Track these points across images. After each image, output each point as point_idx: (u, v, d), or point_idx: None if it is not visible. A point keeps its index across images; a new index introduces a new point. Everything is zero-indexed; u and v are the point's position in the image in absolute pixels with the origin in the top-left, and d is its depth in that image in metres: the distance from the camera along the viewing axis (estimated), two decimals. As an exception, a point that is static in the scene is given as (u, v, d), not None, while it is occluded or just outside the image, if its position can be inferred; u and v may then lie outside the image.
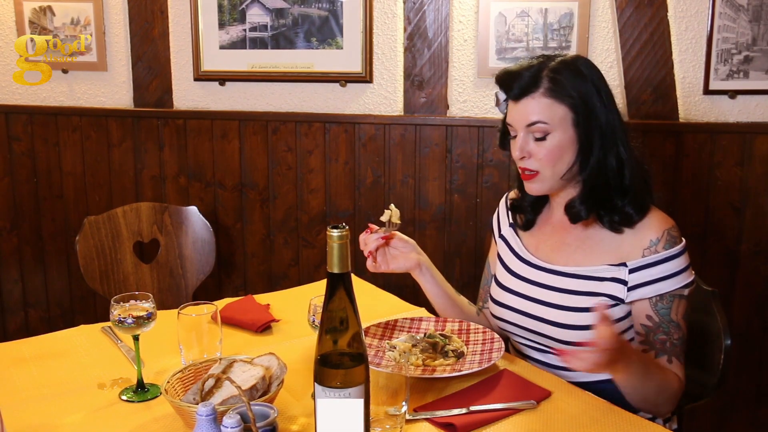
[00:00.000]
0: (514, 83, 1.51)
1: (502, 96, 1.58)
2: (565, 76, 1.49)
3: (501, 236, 1.75)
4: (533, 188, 1.56)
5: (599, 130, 1.50)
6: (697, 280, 1.77)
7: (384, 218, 1.59)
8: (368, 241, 1.60)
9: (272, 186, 2.88)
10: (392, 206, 1.61)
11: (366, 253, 1.60)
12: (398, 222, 1.61)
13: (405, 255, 1.64)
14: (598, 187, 1.51)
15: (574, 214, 1.55)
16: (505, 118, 1.62)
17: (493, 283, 1.72)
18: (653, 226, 1.49)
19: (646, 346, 1.50)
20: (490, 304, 1.72)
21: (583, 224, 1.57)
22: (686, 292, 1.49)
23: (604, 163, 1.51)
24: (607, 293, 1.51)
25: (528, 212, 1.68)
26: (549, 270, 1.60)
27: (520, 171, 1.57)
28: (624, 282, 1.49)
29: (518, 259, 1.67)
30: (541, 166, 1.51)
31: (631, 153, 1.52)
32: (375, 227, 1.60)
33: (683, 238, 1.51)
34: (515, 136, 1.55)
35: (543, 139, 1.50)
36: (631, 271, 1.48)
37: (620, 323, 1.53)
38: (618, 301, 1.50)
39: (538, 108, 1.49)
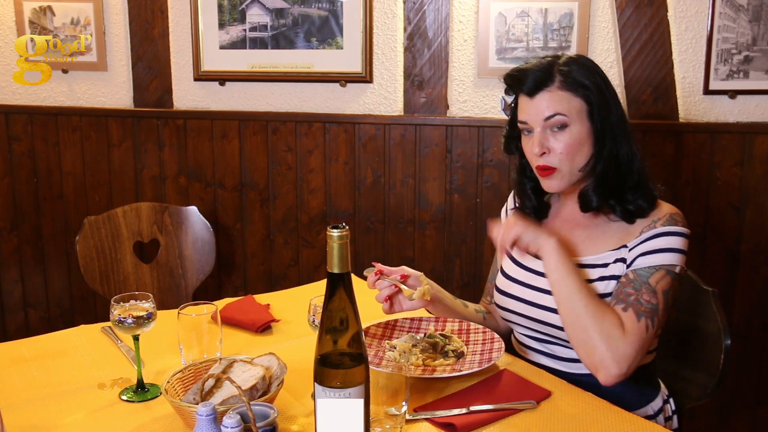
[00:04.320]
0: (528, 79, 1.51)
1: (510, 98, 1.59)
2: (575, 70, 1.51)
3: None
4: (552, 185, 1.55)
5: (612, 122, 1.52)
6: (697, 280, 1.78)
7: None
8: (379, 286, 1.59)
9: (272, 186, 2.88)
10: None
11: (378, 299, 1.60)
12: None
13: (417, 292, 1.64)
14: (611, 178, 1.53)
15: (586, 202, 1.56)
16: (511, 121, 1.62)
17: (499, 274, 1.73)
18: (660, 212, 1.53)
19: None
20: (495, 294, 1.72)
21: (592, 216, 1.59)
22: (676, 270, 1.48)
23: (616, 154, 1.53)
24: (612, 275, 1.52)
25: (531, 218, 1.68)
26: None
27: (535, 169, 1.56)
28: (624, 260, 1.51)
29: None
30: (560, 161, 1.51)
31: (636, 146, 1.56)
32: (382, 267, 1.60)
33: (689, 229, 1.51)
34: (528, 134, 1.55)
35: (562, 132, 1.50)
36: (631, 249, 1.51)
37: None
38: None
39: (555, 100, 1.50)
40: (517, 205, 1.75)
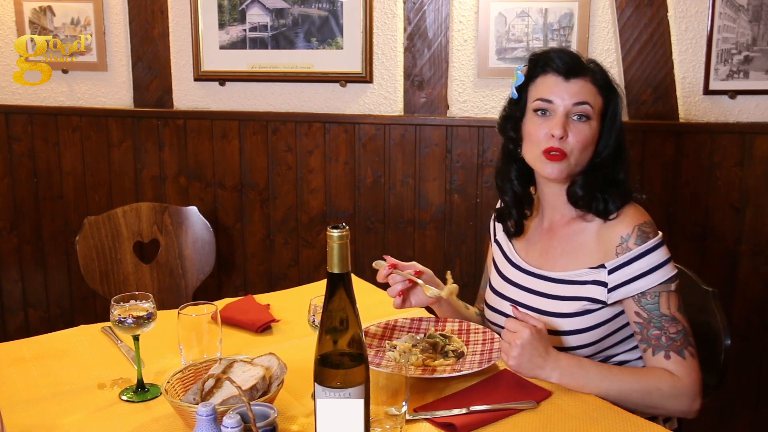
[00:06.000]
0: (565, 61, 1.52)
1: (521, 77, 1.58)
2: (601, 70, 1.55)
3: (496, 241, 1.77)
4: (555, 170, 1.52)
5: (617, 126, 1.54)
6: (697, 280, 1.78)
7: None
8: (393, 281, 1.59)
9: (272, 186, 2.88)
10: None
11: (391, 293, 1.60)
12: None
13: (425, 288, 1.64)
14: (600, 177, 1.53)
15: (572, 193, 1.55)
16: (516, 100, 1.60)
17: (488, 289, 1.73)
18: (624, 222, 1.50)
19: (645, 345, 1.49)
20: (486, 310, 1.73)
21: (568, 225, 1.59)
22: (672, 286, 1.47)
23: (611, 157, 1.54)
24: (588, 296, 1.51)
25: (513, 216, 1.67)
26: (537, 275, 1.60)
27: (541, 153, 1.52)
28: (604, 284, 1.49)
29: (510, 264, 1.68)
30: (573, 148, 1.51)
31: (627, 152, 1.57)
32: (396, 261, 1.60)
33: (659, 232, 1.50)
34: (544, 114, 1.53)
35: (582, 123, 1.51)
36: (610, 272, 1.48)
37: (606, 325, 1.52)
38: (600, 303, 1.50)
39: (587, 91, 1.52)
40: (494, 216, 1.74)
